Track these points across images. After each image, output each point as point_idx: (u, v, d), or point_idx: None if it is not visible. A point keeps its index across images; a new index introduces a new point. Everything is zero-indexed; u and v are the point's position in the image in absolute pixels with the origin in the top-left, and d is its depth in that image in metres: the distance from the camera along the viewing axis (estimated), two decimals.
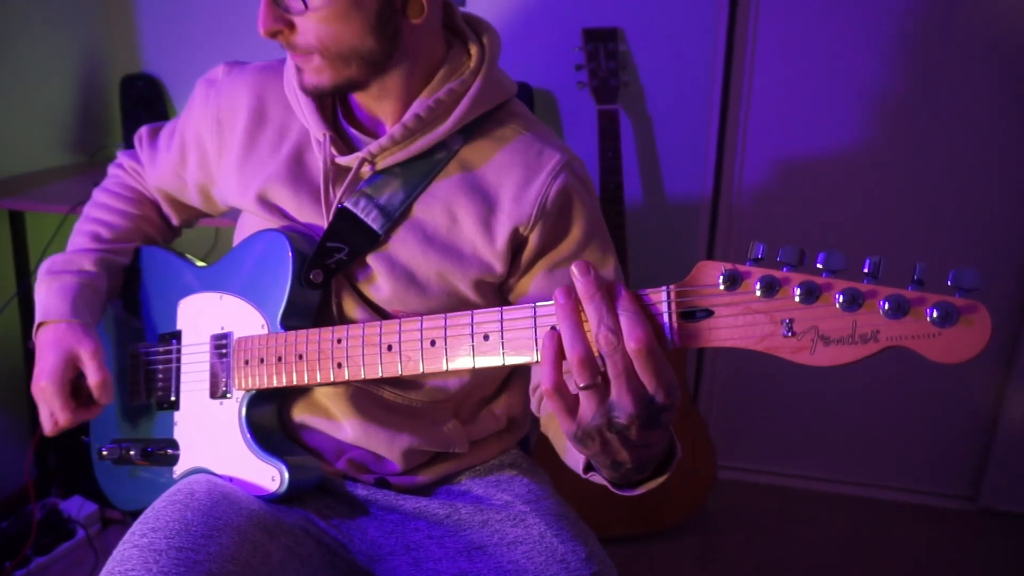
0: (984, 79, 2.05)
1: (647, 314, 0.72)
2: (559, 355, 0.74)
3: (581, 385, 0.73)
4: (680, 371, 2.11)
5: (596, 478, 0.89)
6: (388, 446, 1.08)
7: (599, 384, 0.73)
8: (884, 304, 0.63)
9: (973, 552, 2.19)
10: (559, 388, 0.74)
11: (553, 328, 0.76)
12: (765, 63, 2.16)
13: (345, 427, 1.07)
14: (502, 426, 1.18)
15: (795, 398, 2.39)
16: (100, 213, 1.24)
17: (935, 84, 2.08)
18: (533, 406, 1.11)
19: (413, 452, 1.10)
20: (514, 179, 1.02)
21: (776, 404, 2.41)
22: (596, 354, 0.73)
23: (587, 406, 0.74)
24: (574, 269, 0.73)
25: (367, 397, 1.06)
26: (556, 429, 1.03)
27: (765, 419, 2.44)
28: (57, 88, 2.27)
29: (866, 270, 0.65)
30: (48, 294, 1.13)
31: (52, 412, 1.10)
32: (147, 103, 2.31)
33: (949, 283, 0.62)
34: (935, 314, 0.62)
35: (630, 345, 0.70)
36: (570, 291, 0.74)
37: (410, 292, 1.02)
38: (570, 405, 0.75)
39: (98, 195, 1.27)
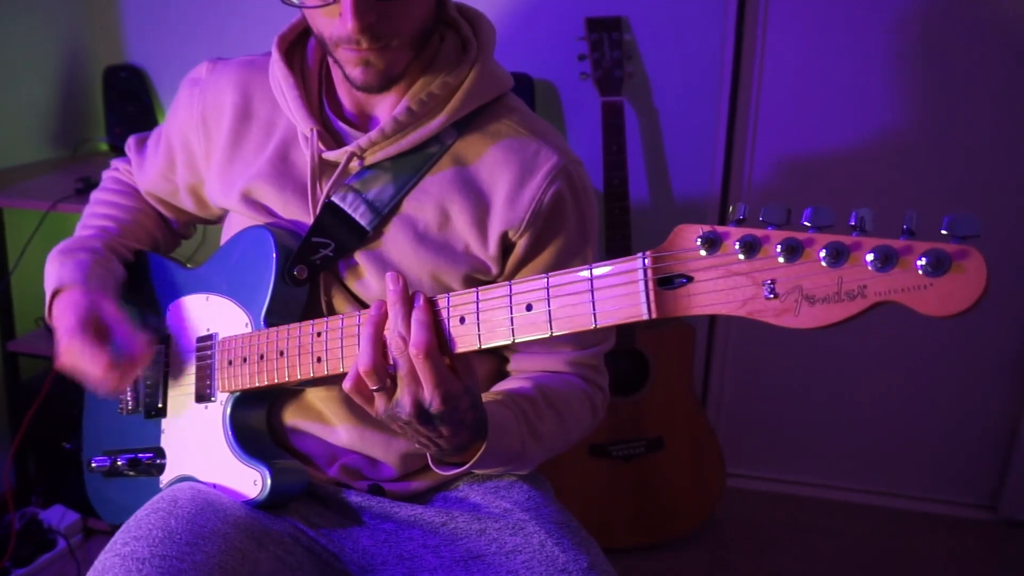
0: (1001, 77, 2.05)
1: (436, 323, 0.83)
2: (376, 336, 0.86)
3: (372, 388, 0.86)
4: (687, 374, 2.11)
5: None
6: (384, 449, 1.09)
7: (388, 387, 0.86)
8: (870, 256, 0.61)
9: (993, 564, 2.18)
10: (373, 369, 0.85)
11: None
12: (777, 54, 2.15)
13: (339, 431, 1.08)
14: None
15: (808, 402, 2.39)
16: (103, 209, 1.26)
17: (954, 82, 2.07)
18: None
19: (410, 456, 1.11)
20: (508, 178, 1.03)
21: (788, 408, 2.41)
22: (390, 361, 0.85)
23: (379, 402, 0.87)
24: (388, 278, 0.85)
25: None
26: None
27: (776, 424, 2.44)
28: (37, 80, 2.27)
29: (852, 223, 0.63)
30: (61, 268, 1.12)
31: (92, 367, 1.03)
32: (131, 95, 2.31)
33: (943, 231, 0.59)
34: (925, 263, 0.59)
35: (412, 351, 0.82)
36: (381, 304, 0.87)
37: None
38: (368, 402, 0.88)
39: (96, 195, 1.30)
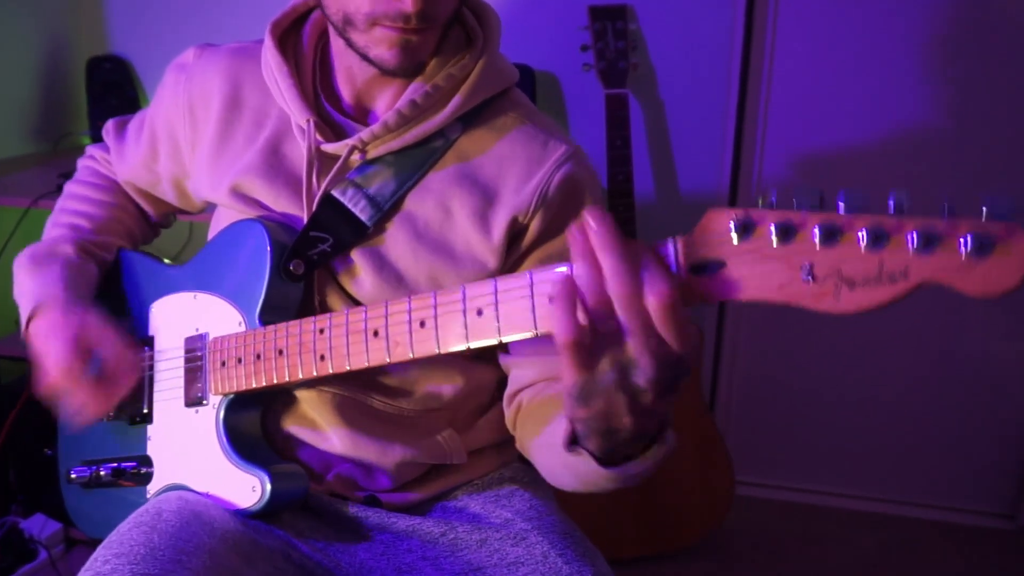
0: (1022, 72, 2.05)
1: (667, 269, 0.70)
2: (573, 301, 0.72)
3: (603, 330, 0.71)
4: (694, 377, 2.11)
5: (575, 461, 0.84)
6: (379, 457, 1.08)
7: (619, 331, 0.71)
8: (912, 237, 0.61)
9: (1012, 574, 2.18)
10: (577, 339, 0.71)
11: (565, 275, 0.73)
12: (788, 44, 2.15)
13: (331, 437, 1.07)
14: (501, 437, 1.18)
15: (820, 407, 2.39)
16: (75, 204, 1.24)
17: (975, 77, 2.07)
18: (509, 419, 1.10)
19: (406, 465, 1.10)
20: (515, 171, 1.03)
21: (799, 413, 2.41)
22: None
23: (605, 360, 0.72)
24: (588, 216, 0.71)
25: (354, 406, 1.06)
26: (532, 436, 1.02)
27: (787, 429, 2.44)
28: (17, 71, 2.27)
29: (891, 204, 0.63)
30: (35, 282, 1.12)
31: (80, 401, 1.05)
32: (115, 86, 2.30)
33: (983, 210, 0.60)
34: (970, 243, 0.60)
35: (651, 300, 0.68)
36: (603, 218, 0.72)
37: (398, 293, 1.02)
38: (584, 360, 0.72)
39: (70, 187, 1.27)
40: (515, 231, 1.03)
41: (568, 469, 0.88)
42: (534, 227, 1.03)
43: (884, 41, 2.09)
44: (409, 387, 1.08)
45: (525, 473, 1.20)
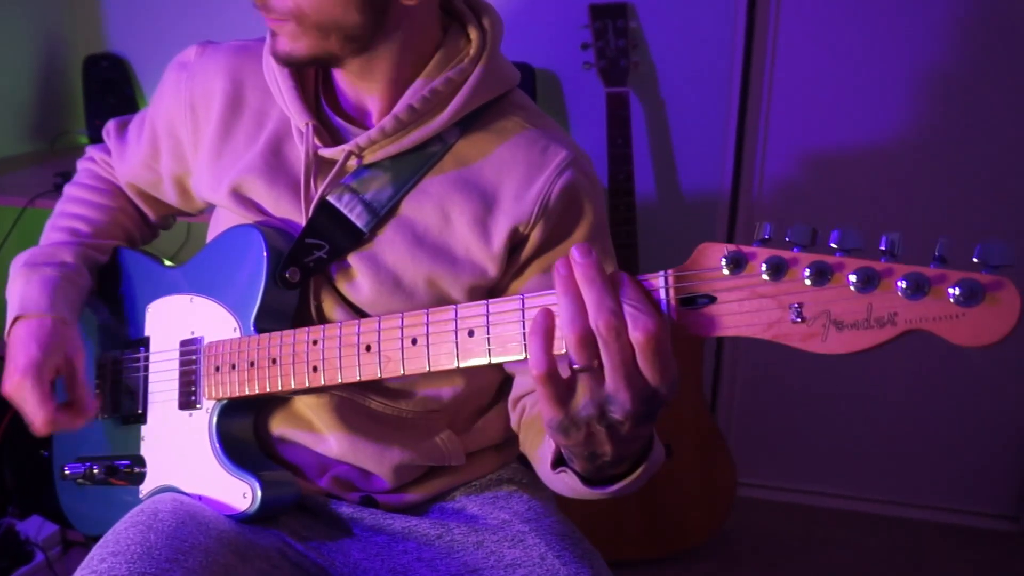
0: None
1: (654, 304, 0.71)
2: (550, 335, 0.73)
3: (578, 367, 0.72)
4: (696, 376, 2.10)
5: (563, 476, 0.88)
6: (377, 461, 1.08)
7: (596, 368, 0.72)
8: (902, 283, 0.62)
9: None
10: (552, 373, 0.73)
11: (543, 308, 0.75)
12: (790, 42, 2.15)
13: (329, 441, 1.07)
14: (500, 438, 1.18)
15: (823, 408, 2.38)
16: (75, 208, 1.24)
17: (981, 77, 2.07)
18: (513, 422, 1.10)
19: (404, 467, 1.10)
20: (516, 177, 1.02)
21: (802, 414, 2.41)
22: None
23: (582, 394, 0.73)
24: (573, 251, 0.72)
25: (353, 408, 1.06)
26: (533, 447, 1.03)
27: (790, 430, 2.43)
28: (13, 69, 2.27)
29: (883, 248, 0.64)
30: (26, 287, 1.13)
31: (34, 414, 1.07)
32: (112, 85, 2.30)
33: (975, 259, 0.61)
34: (958, 292, 0.61)
35: (636, 336, 0.69)
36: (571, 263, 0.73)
37: (396, 297, 1.02)
38: (561, 394, 0.74)
39: (70, 190, 1.28)
40: (516, 241, 1.03)
41: (561, 485, 0.90)
42: (535, 237, 1.02)
43: (887, 38, 2.09)
44: (409, 389, 1.08)
45: (524, 474, 1.20)
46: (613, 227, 2.00)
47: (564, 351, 0.73)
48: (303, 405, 1.07)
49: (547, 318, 0.74)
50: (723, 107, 2.18)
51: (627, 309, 0.70)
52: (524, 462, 1.28)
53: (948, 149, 2.13)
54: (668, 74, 2.17)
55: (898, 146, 2.15)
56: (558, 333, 0.74)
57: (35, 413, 1.06)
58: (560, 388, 0.74)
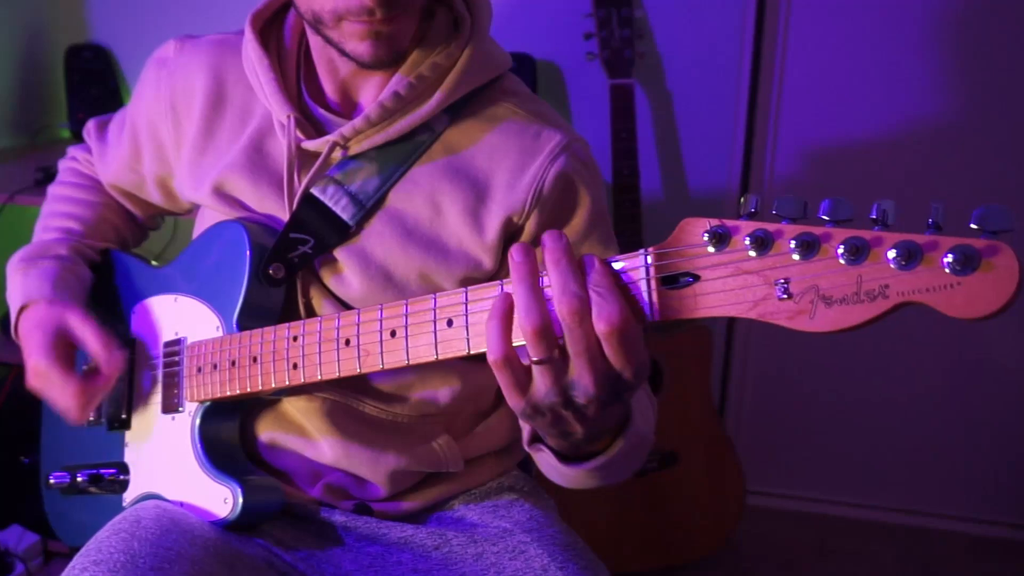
0: None
1: (623, 291, 0.71)
2: (508, 321, 0.74)
3: (535, 359, 0.72)
4: (704, 381, 2.10)
5: (541, 455, 0.89)
6: (372, 467, 1.08)
7: (556, 359, 0.72)
8: (892, 252, 0.60)
9: None
10: (508, 359, 0.73)
11: (504, 292, 0.75)
12: (801, 33, 2.14)
13: (322, 446, 1.07)
14: (500, 444, 1.18)
15: (835, 412, 2.38)
16: (63, 207, 1.25)
17: (995, 71, 2.07)
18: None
19: (400, 474, 1.09)
20: (507, 164, 1.02)
21: (813, 419, 2.40)
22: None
23: (541, 382, 0.74)
24: (544, 236, 0.72)
25: (346, 412, 1.05)
26: None
27: (800, 437, 2.43)
28: None
29: (873, 216, 0.62)
30: (25, 280, 1.13)
31: (62, 395, 1.06)
32: (96, 76, 2.30)
33: (973, 225, 0.58)
34: (951, 260, 0.58)
35: (600, 326, 0.69)
36: (528, 249, 0.73)
37: (387, 292, 1.02)
38: (520, 380, 0.75)
39: (55, 190, 1.29)
40: (510, 232, 1.03)
41: (545, 465, 0.91)
42: (530, 227, 1.02)
43: (901, 28, 2.09)
44: (404, 392, 1.07)
45: (525, 482, 1.19)
46: (617, 224, 1.99)
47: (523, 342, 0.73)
48: (294, 410, 1.06)
49: (506, 302, 0.74)
50: (732, 99, 2.17)
51: (592, 295, 0.70)
52: (525, 469, 1.27)
53: (961, 142, 2.13)
54: (675, 65, 2.17)
55: (910, 140, 2.14)
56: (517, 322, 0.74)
57: (61, 397, 1.05)
58: (519, 374, 0.74)
